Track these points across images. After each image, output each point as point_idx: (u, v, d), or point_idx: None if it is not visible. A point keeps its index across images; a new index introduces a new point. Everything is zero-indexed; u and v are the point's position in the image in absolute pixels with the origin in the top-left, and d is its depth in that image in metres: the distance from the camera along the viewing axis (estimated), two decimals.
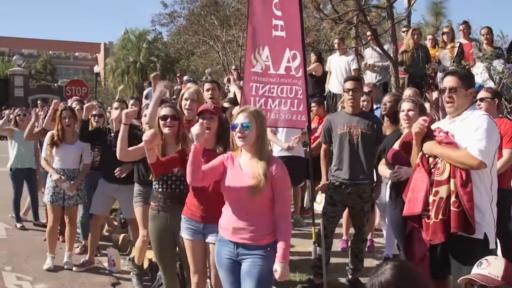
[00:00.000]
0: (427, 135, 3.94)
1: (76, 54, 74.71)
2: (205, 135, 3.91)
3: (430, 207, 3.76)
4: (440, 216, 3.70)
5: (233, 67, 17.82)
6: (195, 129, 3.83)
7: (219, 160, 3.98)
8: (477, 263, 3.10)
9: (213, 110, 4.44)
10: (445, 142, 3.79)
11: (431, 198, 3.77)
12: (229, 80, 6.48)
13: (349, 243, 6.28)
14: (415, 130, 3.97)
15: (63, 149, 6.91)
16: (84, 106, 6.91)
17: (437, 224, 3.71)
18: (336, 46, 11.41)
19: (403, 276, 2.88)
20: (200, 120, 3.97)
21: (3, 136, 11.31)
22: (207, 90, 6.31)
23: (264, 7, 5.74)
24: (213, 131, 4.40)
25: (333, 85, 10.84)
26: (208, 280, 4.70)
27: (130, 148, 5.00)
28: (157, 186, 4.84)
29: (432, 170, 3.83)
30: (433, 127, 4.05)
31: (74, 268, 6.82)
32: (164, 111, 4.82)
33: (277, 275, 3.67)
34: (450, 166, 3.72)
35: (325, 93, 11.02)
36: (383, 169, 5.31)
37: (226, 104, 7.12)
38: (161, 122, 4.80)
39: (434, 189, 3.76)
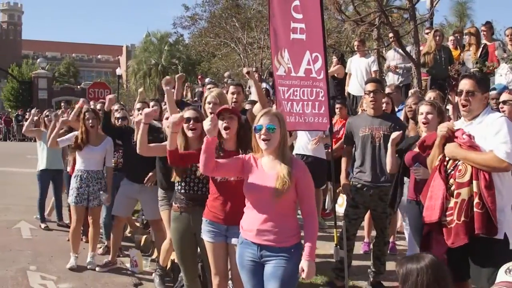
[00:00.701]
0: (449, 137, 3.94)
1: (99, 56, 75.59)
2: (216, 129, 3.88)
3: (452, 211, 3.76)
4: (462, 218, 3.70)
5: (254, 69, 17.82)
6: (206, 125, 3.79)
7: (237, 158, 4.00)
8: (505, 269, 3.04)
9: (233, 110, 4.45)
10: (468, 145, 3.78)
11: (453, 201, 3.77)
12: (248, 73, 6.45)
13: (371, 246, 6.25)
14: (441, 133, 3.96)
15: (87, 151, 6.98)
16: (107, 97, 6.97)
17: (459, 226, 3.71)
18: (355, 48, 11.37)
19: (436, 274, 2.94)
20: (212, 115, 3.96)
21: (33, 138, 11.45)
22: (232, 93, 6.30)
23: (283, 10, 5.75)
24: (232, 132, 4.39)
25: (353, 87, 10.83)
26: (229, 282, 4.71)
27: (151, 145, 5.04)
28: (179, 187, 4.86)
29: (452, 172, 3.83)
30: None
31: (97, 268, 6.88)
32: (187, 113, 4.85)
33: (304, 274, 3.67)
34: (472, 168, 3.72)
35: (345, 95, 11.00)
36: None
37: (247, 106, 7.12)
38: (185, 125, 4.83)
39: (455, 191, 3.76)
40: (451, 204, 3.79)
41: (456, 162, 3.82)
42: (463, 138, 3.83)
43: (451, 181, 3.82)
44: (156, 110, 6.82)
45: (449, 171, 3.86)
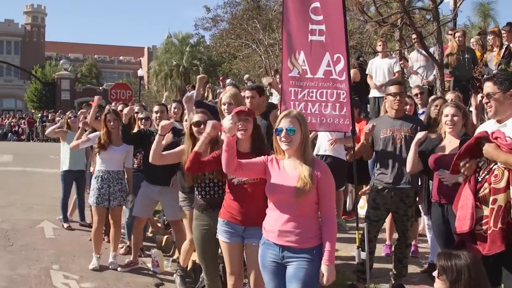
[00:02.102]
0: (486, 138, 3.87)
1: (121, 58, 76.23)
2: (236, 128, 3.91)
3: (487, 219, 3.69)
4: (499, 225, 3.61)
5: (272, 72, 17.78)
6: (226, 123, 3.80)
7: (260, 159, 4.01)
8: None
9: (248, 112, 4.46)
10: (510, 148, 3.67)
11: (489, 208, 3.69)
12: (270, 84, 6.51)
13: (393, 248, 6.20)
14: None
15: (110, 151, 7.03)
16: (123, 112, 6.82)
17: (496, 233, 3.62)
18: (380, 48, 11.29)
19: (475, 270, 3.09)
20: (232, 113, 3.95)
21: (56, 139, 11.54)
22: (247, 97, 6.37)
23: (300, 12, 5.72)
24: (248, 134, 4.42)
25: (374, 90, 10.78)
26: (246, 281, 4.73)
27: (164, 152, 5.08)
28: (196, 192, 4.93)
29: (486, 177, 3.75)
30: (479, 129, 3.99)
31: (118, 268, 6.93)
32: (196, 117, 4.89)
33: (324, 279, 3.67)
34: (509, 173, 3.63)
35: (368, 98, 10.95)
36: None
37: None
38: (194, 129, 4.87)
39: (491, 197, 3.67)
40: (486, 212, 3.72)
41: (491, 166, 3.75)
42: (506, 140, 3.71)
43: (485, 185, 3.75)
44: (171, 123, 6.82)
45: (482, 175, 3.79)
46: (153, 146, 4.99)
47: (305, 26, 5.71)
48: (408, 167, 5.24)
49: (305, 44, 5.73)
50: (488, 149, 3.79)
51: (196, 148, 4.44)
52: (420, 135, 5.13)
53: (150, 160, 5.06)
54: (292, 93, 5.77)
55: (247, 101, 6.39)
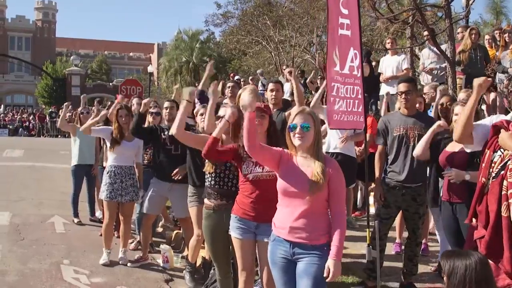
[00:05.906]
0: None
1: (131, 54, 76.52)
2: (255, 102, 3.89)
3: (505, 212, 3.65)
4: None
5: (284, 66, 17.78)
6: (245, 98, 3.86)
7: (276, 148, 4.00)
8: None
9: (264, 108, 4.44)
10: None
11: (505, 204, 3.64)
12: (290, 73, 6.36)
13: (403, 247, 6.17)
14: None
15: (122, 146, 7.03)
16: (143, 102, 7.01)
17: None
18: (389, 46, 11.24)
19: (484, 272, 3.02)
20: (251, 87, 3.94)
21: (66, 134, 11.54)
22: (271, 90, 6.34)
23: (334, 5, 5.62)
24: (263, 130, 4.42)
25: (385, 86, 10.73)
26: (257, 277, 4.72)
27: (187, 132, 5.07)
28: (212, 182, 4.87)
29: (502, 172, 3.70)
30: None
31: (128, 264, 6.94)
32: (221, 111, 4.88)
33: (330, 274, 3.60)
34: None
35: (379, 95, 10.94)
36: None
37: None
38: (218, 121, 4.87)
39: (509, 192, 3.61)
40: (503, 207, 3.68)
41: (506, 161, 3.71)
42: None
43: (504, 182, 3.70)
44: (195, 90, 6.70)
45: (496, 171, 3.74)
46: (179, 113, 4.94)
47: (337, 19, 5.53)
48: (417, 151, 5.23)
49: (338, 38, 5.56)
50: (503, 136, 3.75)
51: (214, 134, 4.43)
52: (440, 122, 5.13)
53: (173, 129, 4.95)
54: (335, 88, 5.53)
55: (271, 94, 6.37)
